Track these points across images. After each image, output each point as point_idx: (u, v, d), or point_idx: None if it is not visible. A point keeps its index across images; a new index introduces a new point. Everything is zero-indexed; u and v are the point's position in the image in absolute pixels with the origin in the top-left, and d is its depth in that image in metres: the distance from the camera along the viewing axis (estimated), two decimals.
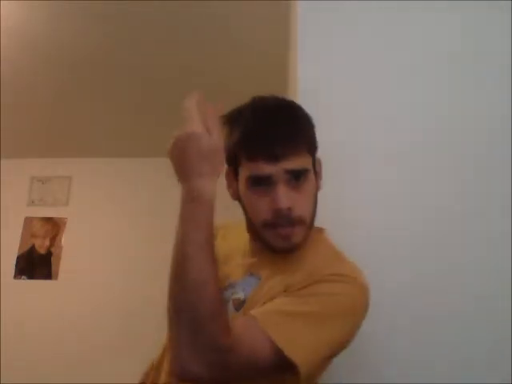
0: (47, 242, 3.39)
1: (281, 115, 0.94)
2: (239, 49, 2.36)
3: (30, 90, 2.73)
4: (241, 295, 0.92)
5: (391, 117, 1.13)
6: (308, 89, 1.17)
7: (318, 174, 0.96)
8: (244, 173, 0.91)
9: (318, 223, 0.92)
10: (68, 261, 3.31)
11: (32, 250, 3.37)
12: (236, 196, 0.96)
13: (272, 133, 0.90)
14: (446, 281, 1.00)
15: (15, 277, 3.31)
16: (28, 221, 3.43)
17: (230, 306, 0.90)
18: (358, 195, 1.08)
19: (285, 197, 0.87)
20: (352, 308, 0.84)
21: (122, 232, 3.31)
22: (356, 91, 1.15)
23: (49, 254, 3.36)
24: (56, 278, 3.29)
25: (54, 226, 3.42)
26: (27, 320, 3.09)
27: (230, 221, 1.11)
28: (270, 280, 0.91)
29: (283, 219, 0.88)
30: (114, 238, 3.31)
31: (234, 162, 0.93)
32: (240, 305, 0.90)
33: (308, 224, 0.91)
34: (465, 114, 1.12)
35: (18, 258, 3.35)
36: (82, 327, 3.05)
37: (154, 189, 3.34)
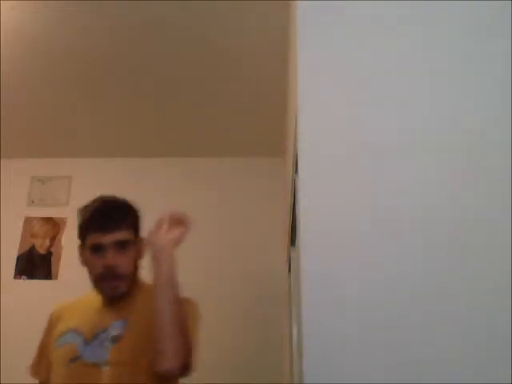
0: (47, 242, 3.38)
1: (110, 206, 1.46)
2: (239, 50, 2.35)
3: (30, 89, 2.73)
4: (117, 333, 1.35)
5: (392, 117, 1.13)
6: (308, 89, 1.17)
7: (141, 250, 1.44)
8: (87, 242, 1.41)
9: (318, 223, 0.92)
10: (68, 261, 3.31)
11: (32, 250, 3.37)
12: (84, 263, 1.44)
13: (102, 216, 1.41)
14: (445, 280, 1.00)
15: (15, 277, 3.30)
16: (28, 221, 3.43)
17: (108, 343, 1.34)
18: (359, 195, 1.08)
19: (111, 258, 1.36)
20: None
21: None
22: (356, 91, 1.15)
23: (49, 254, 3.36)
24: (56, 278, 3.29)
25: (54, 226, 3.42)
26: (27, 320, 3.08)
27: (59, 306, 1.63)
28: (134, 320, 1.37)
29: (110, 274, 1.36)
30: None
31: (82, 238, 1.44)
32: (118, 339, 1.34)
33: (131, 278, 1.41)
34: (465, 114, 1.11)
35: (17, 257, 3.34)
36: None
37: (153, 189, 3.34)
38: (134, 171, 3.43)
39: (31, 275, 3.32)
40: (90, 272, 1.40)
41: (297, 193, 1.30)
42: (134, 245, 1.42)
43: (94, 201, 1.50)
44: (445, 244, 1.03)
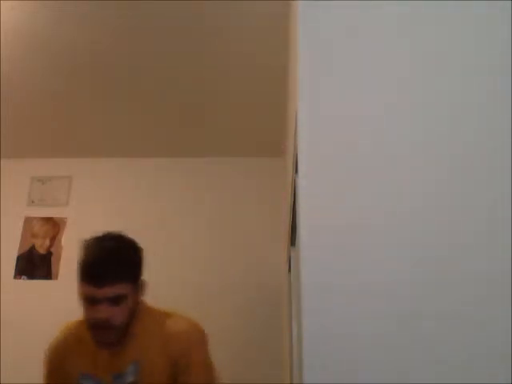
0: (47, 242, 3.38)
1: (109, 254, 1.38)
2: (239, 50, 2.35)
3: (30, 89, 2.73)
4: (133, 379, 1.36)
5: (392, 117, 1.13)
6: (308, 89, 1.17)
7: (139, 292, 1.43)
8: (81, 290, 1.37)
9: (318, 223, 0.92)
10: (68, 261, 3.31)
11: (32, 250, 3.37)
12: (80, 300, 1.39)
13: (96, 270, 1.33)
14: (445, 280, 1.00)
15: (15, 277, 3.30)
16: (28, 221, 3.43)
17: None
18: (359, 195, 1.08)
19: (104, 311, 1.32)
20: None
21: (121, 232, 3.31)
22: (356, 91, 1.15)
23: (49, 254, 3.36)
24: (56, 278, 3.29)
25: (54, 226, 3.42)
26: (27, 320, 3.08)
27: (57, 341, 1.57)
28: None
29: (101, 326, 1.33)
30: None
31: (78, 278, 1.39)
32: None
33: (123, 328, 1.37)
34: (465, 114, 1.11)
35: (17, 257, 3.34)
36: None
37: (154, 189, 3.34)
38: (134, 171, 3.43)
39: (31, 275, 3.31)
40: (83, 315, 1.40)
41: (297, 193, 1.30)
42: (131, 296, 1.38)
43: (96, 240, 1.42)
44: (445, 244, 1.03)
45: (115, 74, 2.59)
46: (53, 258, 3.34)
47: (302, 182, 1.11)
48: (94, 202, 3.44)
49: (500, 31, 1.16)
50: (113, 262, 1.36)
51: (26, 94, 2.76)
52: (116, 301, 1.32)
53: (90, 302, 1.33)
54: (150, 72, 2.56)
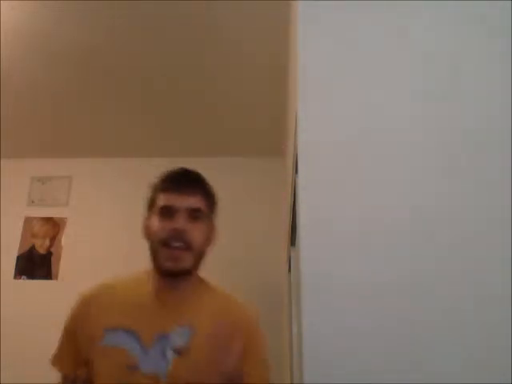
0: (47, 242, 3.39)
1: (191, 172, 1.28)
2: (239, 50, 2.35)
3: (30, 89, 2.73)
4: (181, 342, 1.13)
5: (392, 116, 1.13)
6: (308, 89, 1.17)
7: (212, 228, 1.28)
8: (157, 204, 1.20)
9: (318, 223, 0.92)
10: (68, 261, 3.31)
11: (32, 250, 3.37)
12: (147, 233, 1.23)
13: (180, 178, 1.24)
14: (445, 280, 1.00)
15: (15, 277, 3.31)
16: (28, 221, 3.43)
17: (171, 353, 1.11)
18: (359, 195, 1.08)
19: (182, 222, 1.16)
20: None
21: (122, 232, 3.31)
22: (356, 91, 1.15)
23: (49, 254, 3.36)
24: (56, 278, 3.29)
25: (54, 226, 3.42)
26: (27, 320, 3.08)
27: (95, 290, 1.28)
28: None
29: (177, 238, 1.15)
30: (114, 238, 3.31)
31: (151, 203, 1.24)
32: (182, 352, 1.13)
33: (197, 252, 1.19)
34: (464, 114, 1.11)
35: (17, 257, 3.35)
36: None
37: None
38: (134, 171, 3.43)
39: (31, 275, 3.32)
40: (153, 240, 1.19)
41: (297, 193, 1.30)
42: (207, 220, 1.24)
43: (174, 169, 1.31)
44: (445, 244, 1.03)
45: (115, 74, 2.59)
46: (53, 258, 3.34)
47: (302, 182, 1.11)
48: (94, 202, 3.44)
49: (500, 31, 1.16)
50: (197, 176, 1.27)
51: (26, 94, 2.76)
52: (196, 215, 1.19)
53: (166, 214, 1.17)
54: (149, 72, 2.57)
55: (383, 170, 1.09)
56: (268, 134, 2.95)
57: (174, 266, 1.16)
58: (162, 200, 1.19)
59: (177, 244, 1.15)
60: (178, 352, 1.10)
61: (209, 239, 1.25)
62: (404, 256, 1.02)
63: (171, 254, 1.15)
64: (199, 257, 1.21)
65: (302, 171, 1.12)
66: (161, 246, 1.16)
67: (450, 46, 1.17)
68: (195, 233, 1.17)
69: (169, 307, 1.18)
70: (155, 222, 1.18)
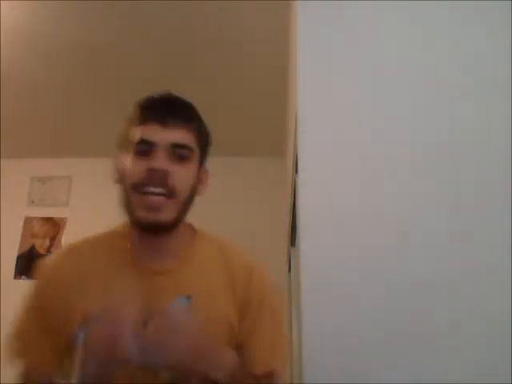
0: (47, 242, 3.39)
1: (177, 98, 0.99)
2: (239, 50, 2.35)
3: (30, 89, 2.73)
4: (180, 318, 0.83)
5: (391, 117, 1.13)
6: (308, 89, 1.17)
7: (202, 173, 1.01)
8: (133, 140, 0.91)
9: (318, 223, 0.92)
10: None
11: (32, 250, 3.37)
12: (118, 176, 0.93)
13: (166, 103, 0.96)
14: (445, 280, 1.00)
15: (15, 277, 3.31)
16: (28, 221, 3.43)
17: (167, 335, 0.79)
18: (359, 195, 1.08)
19: (162, 161, 0.88)
20: None
21: None
22: (356, 91, 1.15)
23: (49, 254, 3.36)
24: None
25: (54, 226, 3.42)
26: None
27: (60, 255, 1.04)
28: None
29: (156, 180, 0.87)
30: None
31: (125, 140, 0.93)
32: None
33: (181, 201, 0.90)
34: (465, 115, 1.11)
35: (17, 257, 3.35)
36: None
37: None
38: None
39: (31, 275, 3.31)
40: (125, 185, 0.91)
41: (297, 193, 1.30)
42: (196, 162, 0.97)
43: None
44: (445, 244, 1.03)
45: (115, 73, 2.59)
46: None
47: (302, 182, 1.11)
48: (94, 202, 3.44)
49: (500, 32, 1.16)
50: (186, 104, 1.00)
51: (26, 94, 2.76)
52: (180, 155, 0.92)
53: (143, 151, 0.90)
54: (149, 72, 2.57)
55: (383, 170, 1.09)
56: (268, 133, 2.95)
57: (151, 217, 0.87)
58: (139, 132, 0.92)
59: (155, 189, 0.87)
60: (177, 331, 0.81)
61: (197, 187, 0.97)
62: (404, 256, 1.02)
63: (147, 202, 0.87)
64: (184, 208, 0.92)
65: (302, 171, 1.12)
66: (134, 192, 0.89)
67: (451, 46, 1.17)
68: (180, 176, 0.90)
69: (157, 273, 0.91)
70: (130, 163, 0.90)
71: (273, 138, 2.95)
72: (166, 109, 0.95)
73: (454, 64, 1.15)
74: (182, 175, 0.91)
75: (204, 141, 1.03)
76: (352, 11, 1.21)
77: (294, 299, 1.81)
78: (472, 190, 1.05)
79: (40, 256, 3.36)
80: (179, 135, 0.92)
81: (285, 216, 2.57)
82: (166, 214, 0.88)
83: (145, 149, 0.90)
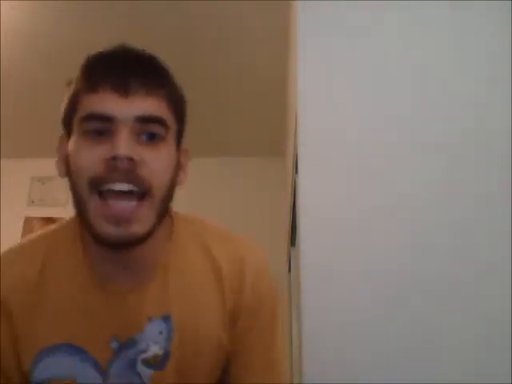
0: None
1: (138, 52, 0.74)
2: (239, 50, 2.35)
3: (30, 89, 2.73)
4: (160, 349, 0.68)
5: (391, 117, 1.13)
6: (308, 89, 1.17)
7: (181, 155, 0.75)
8: (79, 114, 0.66)
9: (318, 223, 0.92)
10: None
11: None
12: (66, 168, 0.67)
13: (124, 61, 0.71)
14: (445, 280, 1.00)
15: None
16: (28, 221, 3.43)
17: (145, 367, 0.67)
18: (359, 195, 1.08)
19: (127, 145, 0.61)
20: None
21: None
22: (356, 91, 1.15)
23: None
24: None
25: None
26: None
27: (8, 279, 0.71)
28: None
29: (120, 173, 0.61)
30: None
31: (70, 114, 0.69)
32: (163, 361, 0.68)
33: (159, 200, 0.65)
34: (465, 114, 1.11)
35: None
36: None
37: None
38: None
39: None
40: (76, 183, 0.65)
41: (297, 193, 1.30)
42: (173, 142, 0.71)
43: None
44: (445, 244, 1.03)
45: None
46: None
47: (302, 182, 1.11)
48: None
49: (500, 32, 1.16)
50: (149, 59, 0.74)
51: (26, 94, 2.76)
52: (149, 135, 0.65)
53: (98, 132, 0.64)
54: None
55: (383, 170, 1.09)
56: (268, 133, 2.95)
57: (120, 232, 0.62)
58: (89, 105, 0.65)
59: (120, 186, 0.62)
60: (158, 362, 0.67)
61: (176, 176, 0.71)
62: (404, 256, 1.02)
63: (113, 212, 0.61)
64: (163, 208, 0.67)
65: (302, 171, 1.12)
66: (90, 192, 0.63)
67: (451, 46, 1.17)
68: (153, 164, 0.64)
69: (130, 291, 0.69)
70: (79, 148, 0.64)
71: (273, 138, 2.95)
72: (124, 69, 0.69)
73: (454, 64, 1.15)
74: (156, 163, 0.64)
75: (180, 110, 0.75)
76: (352, 11, 1.21)
77: (294, 299, 1.81)
78: (472, 190, 1.05)
79: None
80: (146, 105, 0.65)
81: (285, 216, 2.57)
82: (141, 225, 0.63)
83: (99, 127, 0.63)
